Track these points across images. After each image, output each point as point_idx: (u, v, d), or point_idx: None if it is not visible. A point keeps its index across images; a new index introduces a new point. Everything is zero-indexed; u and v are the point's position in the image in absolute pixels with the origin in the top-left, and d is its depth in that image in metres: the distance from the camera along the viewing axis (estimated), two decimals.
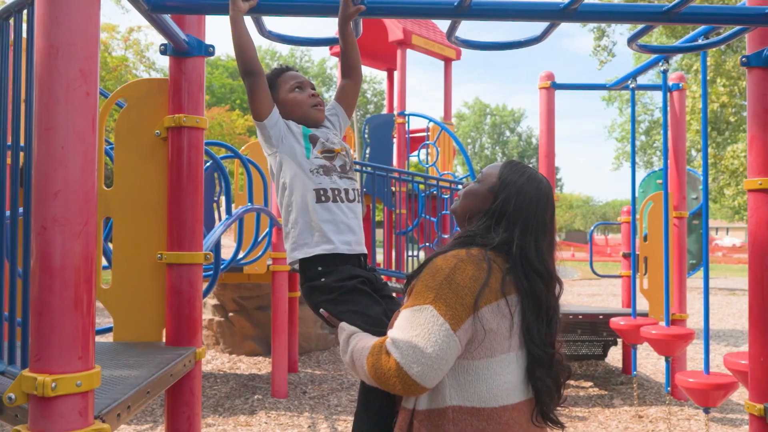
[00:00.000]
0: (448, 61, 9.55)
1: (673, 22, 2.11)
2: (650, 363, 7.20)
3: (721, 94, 21.40)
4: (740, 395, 5.44)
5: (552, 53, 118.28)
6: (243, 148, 5.42)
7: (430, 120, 8.78)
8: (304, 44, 2.62)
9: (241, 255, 4.77)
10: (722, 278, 19.85)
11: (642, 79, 5.41)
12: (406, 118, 8.73)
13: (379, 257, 8.61)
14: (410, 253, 6.81)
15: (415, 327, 1.57)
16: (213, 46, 2.50)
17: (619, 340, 6.70)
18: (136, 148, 2.51)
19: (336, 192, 2.15)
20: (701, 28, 3.05)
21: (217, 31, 10.58)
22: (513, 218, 1.70)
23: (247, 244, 4.92)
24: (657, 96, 33.47)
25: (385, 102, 10.95)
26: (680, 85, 5.73)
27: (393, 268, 6.71)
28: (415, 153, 8.87)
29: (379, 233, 11.58)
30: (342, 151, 2.23)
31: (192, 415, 2.39)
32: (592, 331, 6.44)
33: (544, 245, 1.72)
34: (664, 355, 4.71)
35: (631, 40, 2.45)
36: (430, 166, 8.62)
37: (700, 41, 3.07)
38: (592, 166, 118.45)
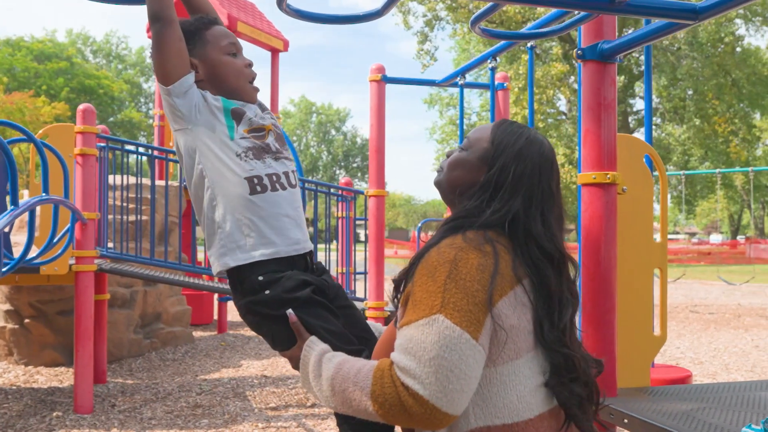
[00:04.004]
0: (275, 52, 9.24)
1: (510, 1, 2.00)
2: None
3: None
4: None
5: (377, 56, 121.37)
6: (41, 131, 4.76)
7: None
8: (112, 2, 2.15)
9: (34, 253, 4.16)
10: None
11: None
12: None
13: (201, 255, 8.10)
14: None
15: (429, 347, 1.25)
16: None
17: None
18: None
19: (275, 178, 1.74)
20: (537, 21, 3.03)
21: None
22: (512, 189, 1.42)
23: (44, 241, 4.31)
24: (474, 100, 35.35)
25: None
26: (504, 84, 5.86)
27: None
28: None
29: (199, 230, 10.96)
30: (272, 127, 1.82)
31: None
32: None
33: (553, 219, 1.45)
34: None
35: (474, 23, 2.33)
36: None
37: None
38: (414, 167, 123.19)
